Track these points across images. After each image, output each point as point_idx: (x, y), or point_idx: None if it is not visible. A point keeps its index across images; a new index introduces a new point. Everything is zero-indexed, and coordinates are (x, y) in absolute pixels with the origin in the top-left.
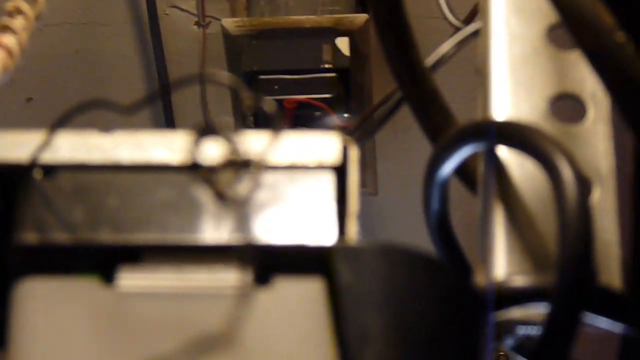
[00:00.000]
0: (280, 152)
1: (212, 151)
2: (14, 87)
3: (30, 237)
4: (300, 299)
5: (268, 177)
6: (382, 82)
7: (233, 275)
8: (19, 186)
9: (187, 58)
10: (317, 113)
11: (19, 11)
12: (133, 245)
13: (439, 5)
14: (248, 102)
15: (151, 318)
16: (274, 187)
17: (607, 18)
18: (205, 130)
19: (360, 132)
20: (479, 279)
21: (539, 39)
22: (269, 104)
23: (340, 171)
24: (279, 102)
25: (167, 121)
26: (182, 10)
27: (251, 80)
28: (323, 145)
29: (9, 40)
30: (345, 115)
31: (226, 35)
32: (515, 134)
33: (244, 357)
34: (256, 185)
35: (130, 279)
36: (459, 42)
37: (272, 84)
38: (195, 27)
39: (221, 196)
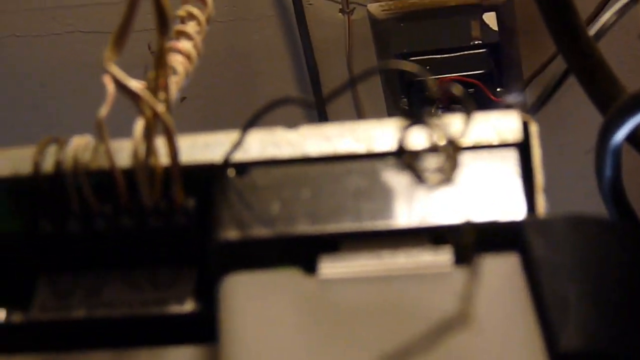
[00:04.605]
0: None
1: (415, 138)
2: None
3: (231, 234)
4: (499, 276)
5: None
6: (529, 56)
7: (431, 257)
8: (214, 185)
9: (334, 46)
10: (471, 90)
11: (190, 16)
12: (331, 235)
13: None
14: (433, 89)
15: (355, 303)
16: (462, 167)
17: None
18: (412, 118)
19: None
20: None
21: None
22: (457, 88)
23: (522, 147)
24: (432, 81)
25: (320, 114)
26: None
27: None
28: (503, 123)
29: (186, 45)
30: (498, 90)
31: (372, 20)
32: None
33: (448, 337)
34: (457, 167)
35: (332, 268)
36: (620, 10)
37: (423, 64)
38: (340, 14)
39: (424, 180)
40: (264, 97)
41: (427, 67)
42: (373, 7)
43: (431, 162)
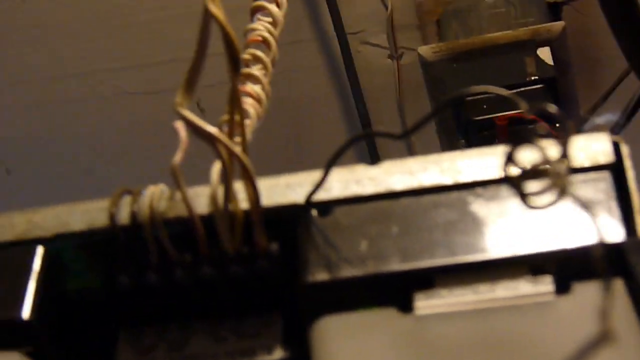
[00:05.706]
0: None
1: (524, 160)
2: None
3: (319, 276)
4: None
5: None
6: (583, 89)
7: (531, 287)
8: (298, 227)
9: (384, 92)
10: (530, 126)
11: (256, 59)
12: (425, 270)
13: None
14: (528, 113)
15: (456, 340)
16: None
17: None
18: (516, 141)
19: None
20: None
21: None
22: (551, 107)
23: (615, 169)
24: (490, 120)
25: (371, 154)
26: (374, 45)
27: (458, 103)
28: (594, 144)
29: (255, 87)
30: (557, 125)
31: (424, 62)
32: None
33: None
34: (564, 192)
35: (428, 305)
36: None
37: (480, 104)
38: (389, 60)
39: (530, 205)
40: (316, 148)
41: (484, 107)
42: (424, 50)
43: (537, 185)
